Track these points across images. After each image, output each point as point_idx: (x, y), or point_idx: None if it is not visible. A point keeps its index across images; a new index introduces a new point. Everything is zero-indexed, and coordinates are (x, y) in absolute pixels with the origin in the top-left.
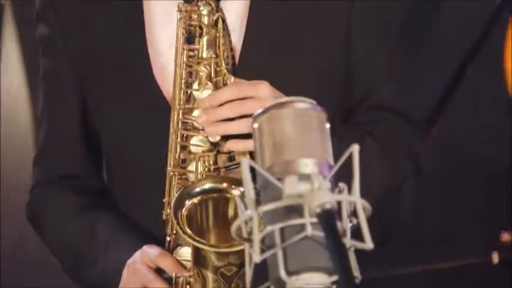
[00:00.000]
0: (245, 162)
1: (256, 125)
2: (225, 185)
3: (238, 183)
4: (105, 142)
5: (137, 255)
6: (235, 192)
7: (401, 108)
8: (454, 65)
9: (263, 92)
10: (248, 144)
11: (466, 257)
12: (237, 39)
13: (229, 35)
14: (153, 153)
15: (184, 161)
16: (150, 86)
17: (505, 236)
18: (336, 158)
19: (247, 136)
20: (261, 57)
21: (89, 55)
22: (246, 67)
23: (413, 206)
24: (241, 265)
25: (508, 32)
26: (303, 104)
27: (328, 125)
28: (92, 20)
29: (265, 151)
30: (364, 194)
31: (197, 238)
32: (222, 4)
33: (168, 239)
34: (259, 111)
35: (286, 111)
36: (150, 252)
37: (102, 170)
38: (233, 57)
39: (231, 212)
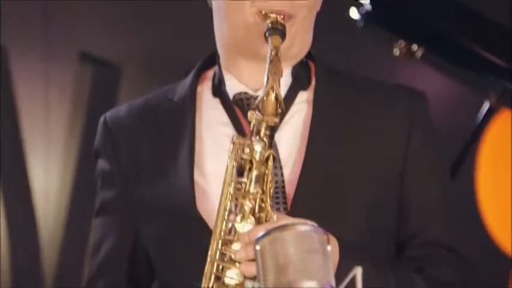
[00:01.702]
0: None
1: (258, 247)
2: None
3: None
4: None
5: None
6: None
7: (453, 245)
8: None
9: None
10: None
11: None
12: (289, 171)
13: (280, 168)
14: (190, 277)
15: None
16: (193, 214)
17: None
18: None
19: None
20: (315, 191)
21: (140, 186)
22: (300, 202)
23: None
24: None
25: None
26: (305, 226)
27: (329, 247)
28: (145, 150)
29: (268, 273)
30: None
31: None
32: (276, 135)
33: None
34: (261, 233)
35: (289, 233)
36: None
37: None
38: (283, 187)
39: None
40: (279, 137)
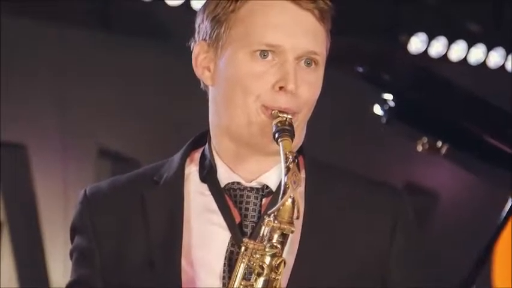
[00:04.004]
0: None
1: None
2: None
3: None
4: None
5: None
6: None
7: None
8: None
9: None
10: None
11: None
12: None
13: None
14: None
15: None
16: None
17: None
18: None
19: None
20: (307, 284)
21: (122, 271)
22: None
23: None
24: None
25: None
26: None
27: None
28: (130, 235)
29: None
30: None
31: None
32: None
33: None
34: None
35: None
36: None
37: None
38: None
39: None
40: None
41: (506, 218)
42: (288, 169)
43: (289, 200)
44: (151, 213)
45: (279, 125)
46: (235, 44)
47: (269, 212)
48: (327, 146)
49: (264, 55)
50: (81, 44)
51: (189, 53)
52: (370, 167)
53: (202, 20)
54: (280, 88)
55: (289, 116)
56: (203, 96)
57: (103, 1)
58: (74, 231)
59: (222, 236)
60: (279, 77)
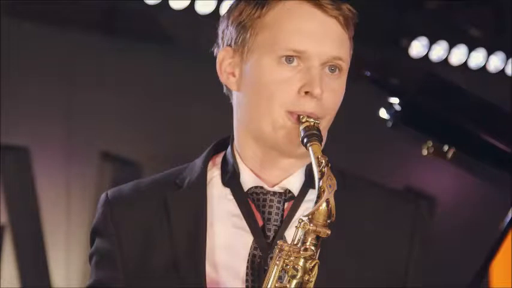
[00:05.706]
0: None
1: None
2: None
3: None
4: None
5: None
6: None
7: None
8: None
9: None
10: None
11: None
12: None
13: None
14: None
15: None
16: None
17: None
18: None
19: None
20: None
21: (144, 272)
22: None
23: None
24: None
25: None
26: None
27: None
28: (153, 238)
29: None
30: None
31: None
32: (286, 232)
33: None
34: None
35: None
36: None
37: None
38: None
39: None
40: (288, 234)
41: (506, 229)
42: (322, 173)
43: (324, 204)
44: (175, 217)
45: (306, 129)
46: (261, 49)
47: (305, 215)
48: (331, 149)
49: (290, 60)
50: (86, 48)
51: (195, 56)
52: (371, 171)
53: (227, 26)
54: (306, 93)
55: (317, 121)
56: (207, 101)
57: (108, 5)
58: (95, 234)
59: (245, 239)
60: (305, 82)
